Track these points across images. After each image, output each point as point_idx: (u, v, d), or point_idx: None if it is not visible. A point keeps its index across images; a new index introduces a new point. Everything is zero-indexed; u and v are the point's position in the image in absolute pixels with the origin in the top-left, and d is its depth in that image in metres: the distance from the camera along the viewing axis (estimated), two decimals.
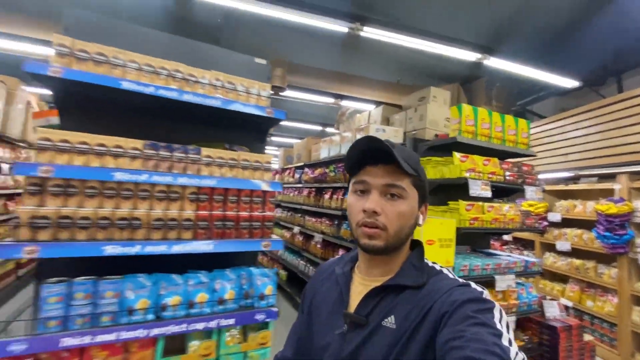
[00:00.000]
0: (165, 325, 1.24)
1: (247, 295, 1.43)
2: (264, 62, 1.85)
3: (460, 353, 0.51)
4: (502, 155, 2.63)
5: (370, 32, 2.67)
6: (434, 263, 0.78)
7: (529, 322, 2.54)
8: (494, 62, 3.12)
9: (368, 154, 0.71)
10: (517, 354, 0.53)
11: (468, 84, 5.14)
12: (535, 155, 2.76)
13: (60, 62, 1.12)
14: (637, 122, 3.27)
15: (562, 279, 4.42)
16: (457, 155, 2.22)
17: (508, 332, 0.58)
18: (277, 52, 3.80)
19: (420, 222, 0.76)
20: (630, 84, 4.14)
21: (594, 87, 4.47)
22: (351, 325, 0.73)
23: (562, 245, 4.22)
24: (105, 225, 1.20)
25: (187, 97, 1.27)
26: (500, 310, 0.62)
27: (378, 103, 4.62)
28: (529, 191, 2.39)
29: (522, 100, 5.45)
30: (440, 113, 3.35)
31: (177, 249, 1.27)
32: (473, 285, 0.67)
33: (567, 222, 4.22)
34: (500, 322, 0.59)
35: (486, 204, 2.31)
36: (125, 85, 1.16)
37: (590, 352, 2.54)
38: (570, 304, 3.98)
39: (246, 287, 1.44)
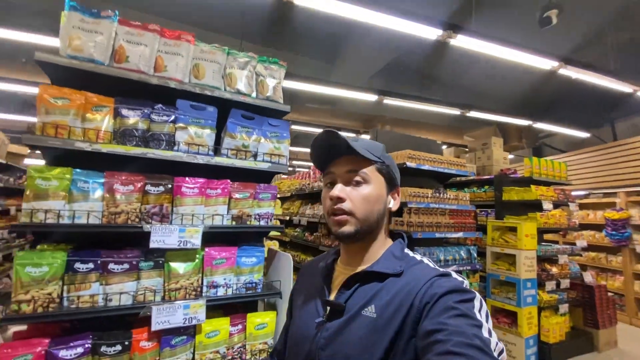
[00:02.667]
0: None
1: None
2: (439, 141, 3.54)
3: (442, 347, 0.51)
4: (551, 184, 4.32)
5: (474, 114, 4.39)
6: (414, 253, 0.77)
7: (575, 285, 4.18)
8: (540, 125, 4.88)
9: (329, 149, 0.74)
10: (497, 344, 0.54)
11: (503, 124, 6.93)
12: (571, 184, 4.47)
13: (409, 160, 2.75)
14: (628, 160, 5.05)
15: (581, 267, 6.09)
16: (533, 186, 3.91)
17: (487, 321, 0.58)
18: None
19: (391, 206, 0.76)
20: (622, 127, 5.96)
21: (593, 130, 6.29)
22: (331, 313, 0.72)
23: (581, 243, 5.89)
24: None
25: (439, 168, 2.90)
26: (480, 300, 0.62)
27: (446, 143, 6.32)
28: (572, 206, 4.09)
29: (541, 134, 7.26)
30: (500, 154, 5.07)
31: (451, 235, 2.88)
32: (454, 274, 0.67)
33: (582, 226, 5.92)
34: (480, 312, 0.59)
35: (549, 213, 3.99)
36: (425, 167, 2.79)
37: (613, 304, 4.17)
38: None
39: None
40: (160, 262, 1.42)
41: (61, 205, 1.26)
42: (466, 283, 0.64)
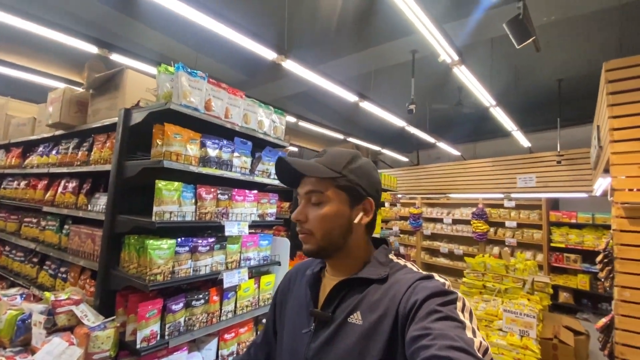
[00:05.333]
0: None
1: None
2: None
3: (427, 352, 0.52)
4: (388, 191, 6.64)
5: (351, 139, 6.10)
6: (399, 259, 0.81)
7: (396, 254, 6.66)
8: (384, 150, 7.23)
9: (291, 172, 0.78)
10: (481, 343, 0.55)
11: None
12: (397, 192, 6.95)
13: None
14: (423, 178, 8.14)
15: None
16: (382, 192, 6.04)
17: (471, 321, 0.59)
18: None
19: (356, 220, 0.77)
20: (422, 154, 9.30)
21: (409, 155, 9.48)
22: (318, 324, 0.75)
23: (395, 228, 8.92)
24: None
25: None
26: (463, 300, 0.63)
27: None
28: (398, 205, 6.49)
29: (378, 152, 10.13)
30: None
31: None
32: (436, 277, 0.69)
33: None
34: (463, 312, 0.60)
35: (387, 209, 6.22)
36: None
37: None
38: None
39: None
40: (224, 244, 2.16)
41: (176, 208, 1.86)
42: (447, 284, 0.66)
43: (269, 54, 2.90)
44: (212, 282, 2.19)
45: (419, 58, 4.09)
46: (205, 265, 2.02)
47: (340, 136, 6.08)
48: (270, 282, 2.54)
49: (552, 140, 5.79)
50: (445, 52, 2.63)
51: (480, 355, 0.52)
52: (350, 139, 6.39)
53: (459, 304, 0.62)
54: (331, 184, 0.76)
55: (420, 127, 5.63)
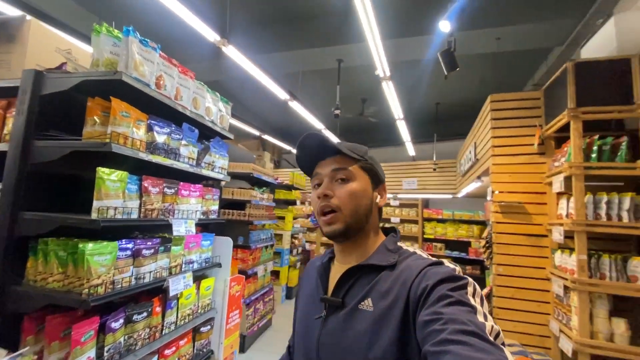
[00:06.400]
0: None
1: None
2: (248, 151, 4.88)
3: (439, 336, 0.52)
4: (298, 189, 6.82)
5: (266, 136, 5.91)
6: (407, 247, 0.80)
7: (303, 250, 6.86)
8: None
9: (314, 151, 0.79)
10: (492, 327, 0.54)
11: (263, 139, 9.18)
12: (305, 190, 7.22)
13: (253, 171, 3.79)
14: None
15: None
16: (293, 191, 6.14)
17: (482, 305, 0.59)
18: None
19: (378, 202, 0.79)
20: None
21: None
22: (329, 310, 0.75)
23: (297, 225, 9.22)
24: None
25: (265, 178, 4.21)
26: (474, 285, 0.63)
27: None
28: (306, 203, 6.75)
29: (284, 151, 10.23)
30: (268, 164, 7.12)
31: (267, 222, 4.20)
32: (446, 262, 0.69)
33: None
34: (474, 296, 0.60)
35: (297, 207, 6.38)
36: (263, 178, 3.99)
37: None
38: None
39: None
40: (169, 246, 1.86)
41: (120, 203, 1.51)
42: (458, 270, 0.67)
43: (210, 34, 2.63)
44: (149, 291, 1.86)
45: (342, 67, 4.42)
46: (149, 272, 1.71)
47: (257, 132, 5.92)
48: (210, 287, 2.32)
49: (430, 151, 7.12)
50: (381, 67, 2.95)
51: (491, 338, 0.51)
52: (265, 137, 6.28)
53: (470, 289, 0.62)
54: (357, 165, 0.78)
55: (332, 130, 6.02)
